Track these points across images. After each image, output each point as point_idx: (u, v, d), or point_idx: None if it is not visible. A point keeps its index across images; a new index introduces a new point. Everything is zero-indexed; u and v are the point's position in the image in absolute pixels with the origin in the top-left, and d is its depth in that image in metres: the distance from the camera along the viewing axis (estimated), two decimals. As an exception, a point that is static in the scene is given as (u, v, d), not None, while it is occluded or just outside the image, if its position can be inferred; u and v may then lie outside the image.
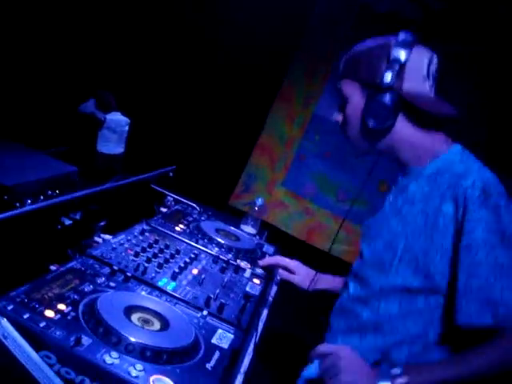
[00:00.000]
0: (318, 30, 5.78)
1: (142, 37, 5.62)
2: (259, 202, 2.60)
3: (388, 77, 1.29)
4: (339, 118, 1.46)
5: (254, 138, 5.99)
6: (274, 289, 2.00)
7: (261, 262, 1.94)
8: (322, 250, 5.86)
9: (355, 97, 1.37)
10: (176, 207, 2.38)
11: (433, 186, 1.30)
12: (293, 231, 6.06)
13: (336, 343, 1.40)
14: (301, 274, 1.83)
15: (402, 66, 1.29)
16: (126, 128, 5.37)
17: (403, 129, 1.35)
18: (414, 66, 1.31)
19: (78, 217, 1.80)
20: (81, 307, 1.20)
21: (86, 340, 1.08)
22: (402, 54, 1.29)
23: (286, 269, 1.86)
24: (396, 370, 1.18)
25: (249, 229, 2.52)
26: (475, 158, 1.33)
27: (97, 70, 5.38)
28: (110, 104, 5.13)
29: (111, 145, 5.21)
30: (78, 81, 5.21)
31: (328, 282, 1.79)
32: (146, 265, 1.57)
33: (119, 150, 5.35)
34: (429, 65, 1.32)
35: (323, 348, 1.26)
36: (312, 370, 1.25)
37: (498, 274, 1.18)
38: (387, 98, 1.30)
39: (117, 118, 5.26)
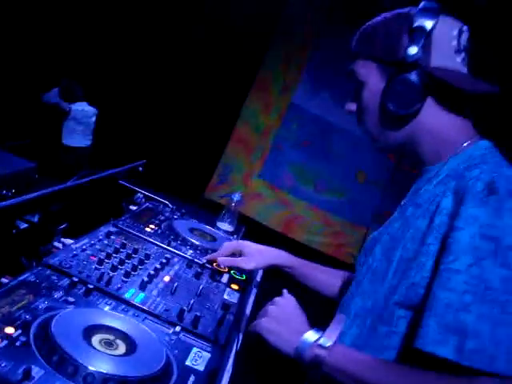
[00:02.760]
0: (293, 17, 5.62)
1: (108, 21, 5.38)
2: (236, 197, 2.45)
3: (413, 50, 1.08)
4: (352, 106, 1.25)
5: (229, 128, 5.82)
6: (254, 292, 1.85)
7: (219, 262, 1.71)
8: (301, 243, 5.76)
9: (372, 78, 1.17)
10: (146, 205, 2.21)
11: (445, 184, 1.09)
12: (270, 223, 5.93)
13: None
14: (247, 253, 1.65)
15: (428, 36, 1.09)
16: (93, 119, 5.13)
17: (429, 115, 1.14)
18: (442, 37, 1.11)
19: (35, 219, 1.62)
20: (32, 330, 1.03)
21: (36, 371, 0.92)
22: (426, 23, 1.08)
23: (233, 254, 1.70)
24: (326, 341, 1.06)
25: (225, 226, 2.36)
26: (501, 155, 1.11)
27: (61, 57, 5.13)
28: (75, 93, 4.89)
29: (77, 137, 4.96)
30: (40, 69, 4.95)
31: (283, 258, 1.63)
32: (111, 274, 1.40)
33: (86, 142, 5.12)
34: (459, 36, 1.12)
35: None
36: None
37: (478, 295, 0.91)
38: (413, 75, 1.09)
39: (83, 109, 5.02)
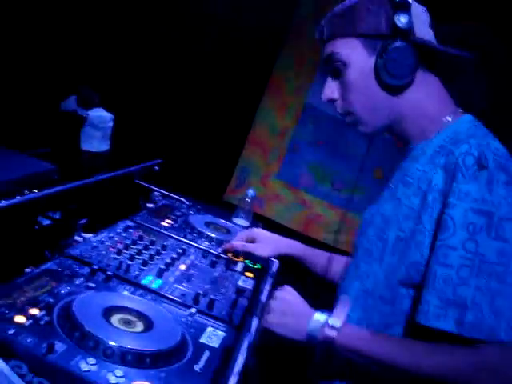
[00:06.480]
0: (305, 17, 5.66)
1: (122, 28, 5.47)
2: (251, 193, 2.50)
3: (404, 19, 1.06)
4: (333, 94, 1.20)
5: (245, 130, 5.88)
6: (270, 281, 1.89)
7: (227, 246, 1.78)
8: (321, 241, 5.77)
9: (358, 56, 1.13)
10: (163, 202, 2.28)
11: (434, 161, 1.09)
12: (290, 223, 5.96)
13: None
14: (261, 240, 1.70)
15: (409, 9, 1.08)
16: (111, 124, 5.24)
17: (416, 90, 1.14)
18: (419, 13, 1.11)
19: (57, 216, 1.70)
20: (55, 311, 1.10)
21: (59, 346, 0.98)
22: None
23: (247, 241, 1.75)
24: (335, 321, 1.08)
25: (241, 221, 2.42)
26: (486, 128, 1.11)
27: (77, 66, 5.24)
28: (91, 100, 5.02)
29: (95, 142, 5.09)
30: (57, 78, 5.07)
31: (296, 248, 1.66)
32: (129, 262, 1.47)
33: (104, 147, 5.24)
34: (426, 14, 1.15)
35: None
36: None
37: (474, 269, 0.94)
38: (405, 45, 1.08)
39: (99, 115, 5.14)
